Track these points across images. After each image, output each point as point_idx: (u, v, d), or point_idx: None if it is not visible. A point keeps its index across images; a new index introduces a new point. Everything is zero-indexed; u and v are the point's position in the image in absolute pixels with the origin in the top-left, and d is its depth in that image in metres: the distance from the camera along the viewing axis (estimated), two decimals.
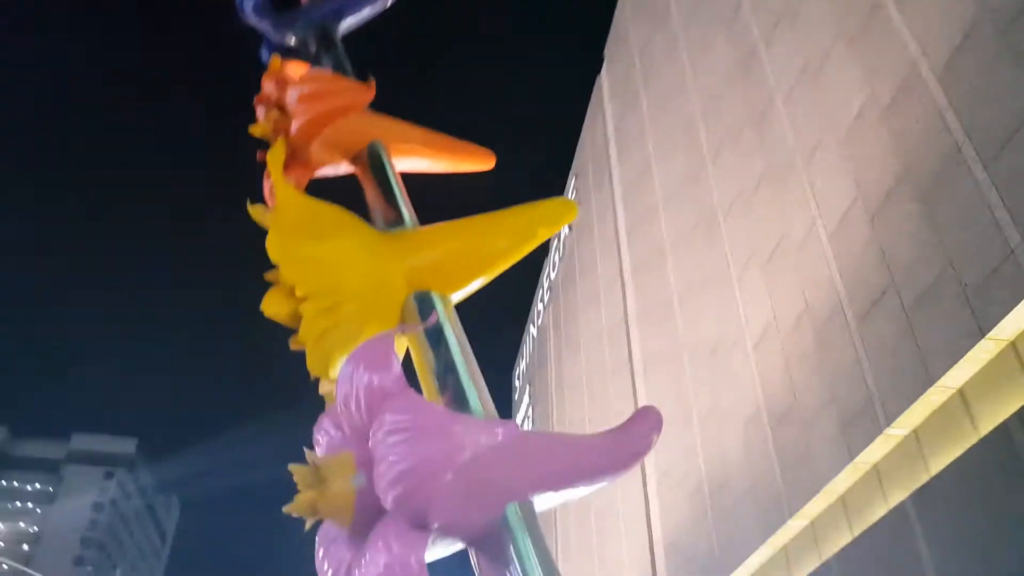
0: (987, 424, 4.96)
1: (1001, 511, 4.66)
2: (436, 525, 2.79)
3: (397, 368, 3.16)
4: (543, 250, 19.40)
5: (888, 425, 5.62)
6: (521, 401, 21.80)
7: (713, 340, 8.70)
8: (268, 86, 4.35)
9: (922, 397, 5.34)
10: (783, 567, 7.12)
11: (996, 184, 4.86)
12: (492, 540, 2.88)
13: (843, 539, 6.26)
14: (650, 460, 10.52)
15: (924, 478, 5.43)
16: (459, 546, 2.99)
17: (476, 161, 4.44)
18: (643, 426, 3.50)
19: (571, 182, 16.99)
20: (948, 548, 5.04)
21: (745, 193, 8.34)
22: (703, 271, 9.23)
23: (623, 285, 12.38)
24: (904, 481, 5.63)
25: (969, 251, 5.02)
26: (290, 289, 3.32)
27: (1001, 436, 4.78)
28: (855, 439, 5.99)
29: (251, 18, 5.17)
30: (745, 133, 8.46)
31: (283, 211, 3.44)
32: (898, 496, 5.67)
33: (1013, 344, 4.84)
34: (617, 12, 14.89)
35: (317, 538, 3.12)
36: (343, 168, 3.96)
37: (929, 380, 5.26)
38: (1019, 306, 4.62)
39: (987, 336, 4.83)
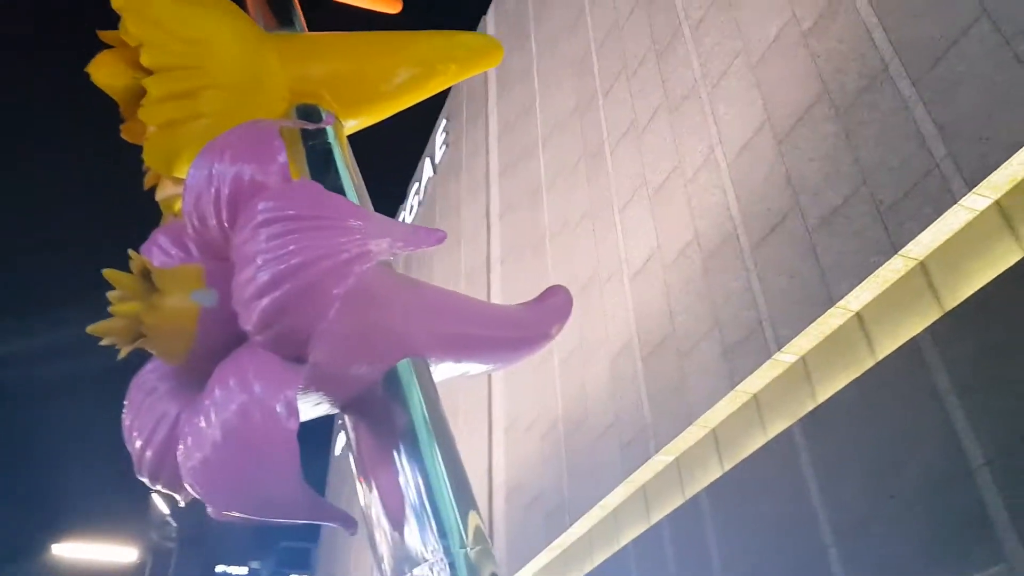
0: (886, 347, 4.79)
1: (898, 430, 4.48)
2: (313, 360, 2.16)
3: (282, 158, 2.42)
4: (400, 193, 18.52)
5: (778, 350, 5.39)
6: None
7: (586, 277, 8.31)
8: None
9: (818, 320, 5.14)
10: (642, 506, 6.83)
11: (924, 99, 4.69)
12: (374, 405, 2.30)
13: (713, 474, 6.01)
14: (498, 406, 10.05)
15: (810, 405, 5.24)
16: (323, 410, 2.31)
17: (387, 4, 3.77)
18: (556, 299, 2.99)
19: (440, 124, 16.24)
20: (836, 471, 4.84)
21: (638, 126, 8.00)
22: (582, 207, 8.84)
23: (488, 227, 11.84)
24: (788, 410, 5.42)
25: (888, 168, 4.84)
26: (133, 54, 2.48)
27: (903, 357, 4.61)
28: (738, 367, 5.74)
29: None
30: (646, 65, 8.12)
31: None
32: (780, 426, 5.45)
33: (923, 264, 4.69)
34: None
35: (129, 391, 2.30)
36: None
37: (829, 301, 5.05)
38: (938, 221, 4.47)
39: (899, 253, 4.66)
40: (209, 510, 2.38)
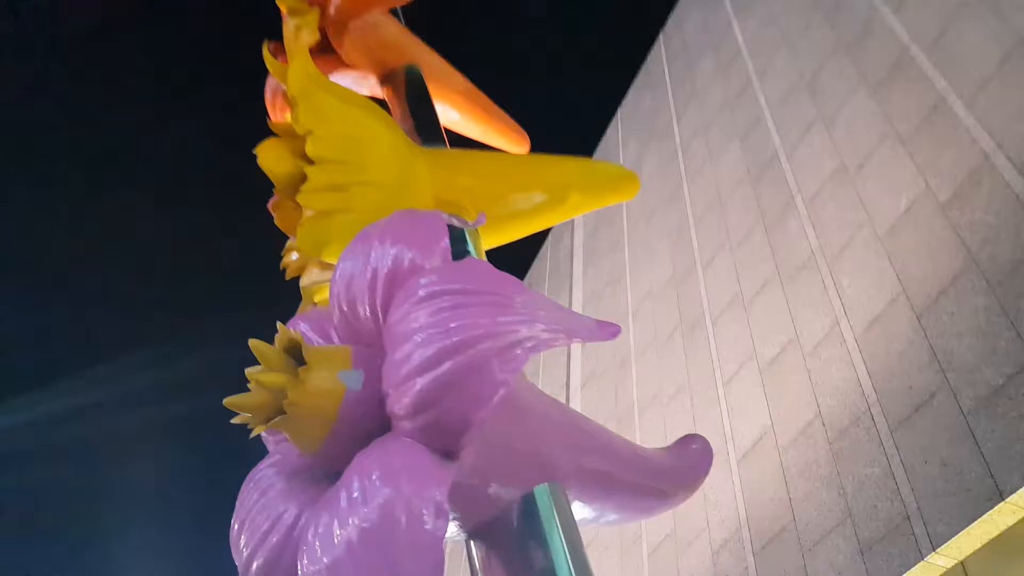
0: None
1: None
2: (463, 459, 1.93)
3: (445, 242, 2.22)
4: None
5: (932, 551, 4.64)
6: None
7: None
8: None
9: (984, 517, 4.43)
10: None
11: None
12: (508, 534, 2.05)
13: None
14: None
15: None
16: (451, 531, 2.00)
17: (510, 138, 3.76)
18: (698, 449, 2.81)
19: None
20: None
21: (743, 297, 7.64)
22: (677, 381, 8.34)
23: (567, 397, 11.35)
24: None
25: None
26: (298, 144, 2.49)
27: None
28: (879, 567, 4.97)
29: None
30: (752, 237, 7.88)
31: (310, 62, 2.68)
32: None
33: None
34: (608, 133, 14.83)
35: (243, 490, 2.06)
36: (368, 85, 3.43)
37: (997, 495, 4.37)
38: None
39: None
40: None
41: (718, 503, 6.84)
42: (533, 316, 2.08)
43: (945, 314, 5.17)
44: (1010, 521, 4.42)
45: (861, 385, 5.68)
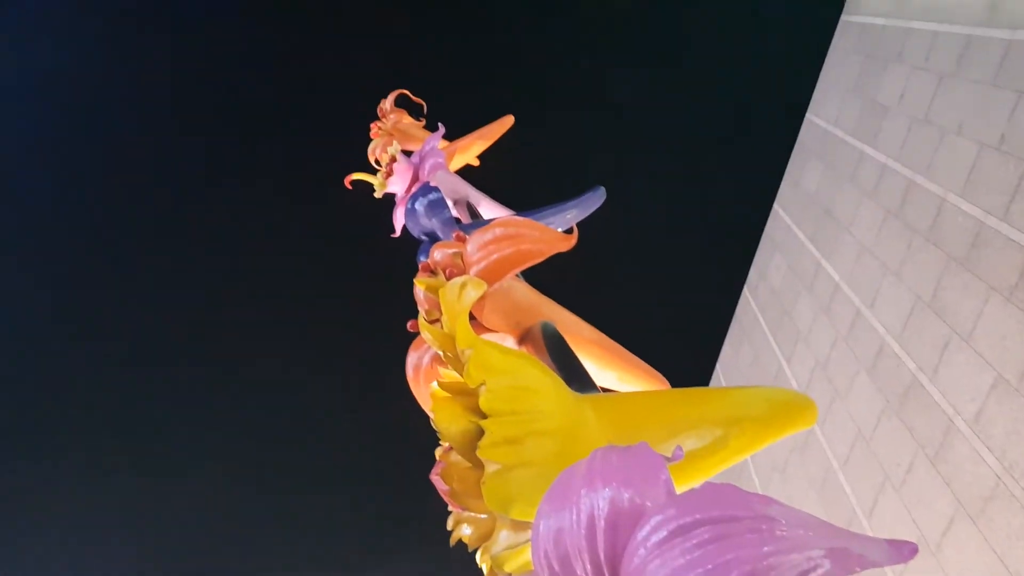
0: None
1: None
2: None
3: (666, 476, 1.98)
4: None
5: None
6: None
7: None
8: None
9: None
10: None
11: None
12: None
13: None
14: None
15: None
16: None
17: (648, 383, 3.67)
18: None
19: None
20: None
21: (928, 542, 6.80)
22: None
23: None
24: None
25: None
26: (470, 400, 2.43)
27: None
28: None
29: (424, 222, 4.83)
30: (916, 471, 7.20)
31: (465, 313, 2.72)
32: None
33: None
34: None
35: None
36: (508, 344, 3.50)
37: None
38: None
39: None
40: None
41: None
42: (814, 540, 1.76)
43: None
44: None
45: None
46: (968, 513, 6.38)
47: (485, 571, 2.61)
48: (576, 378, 3.05)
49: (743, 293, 14.02)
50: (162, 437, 14.58)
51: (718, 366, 14.34)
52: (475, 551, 2.70)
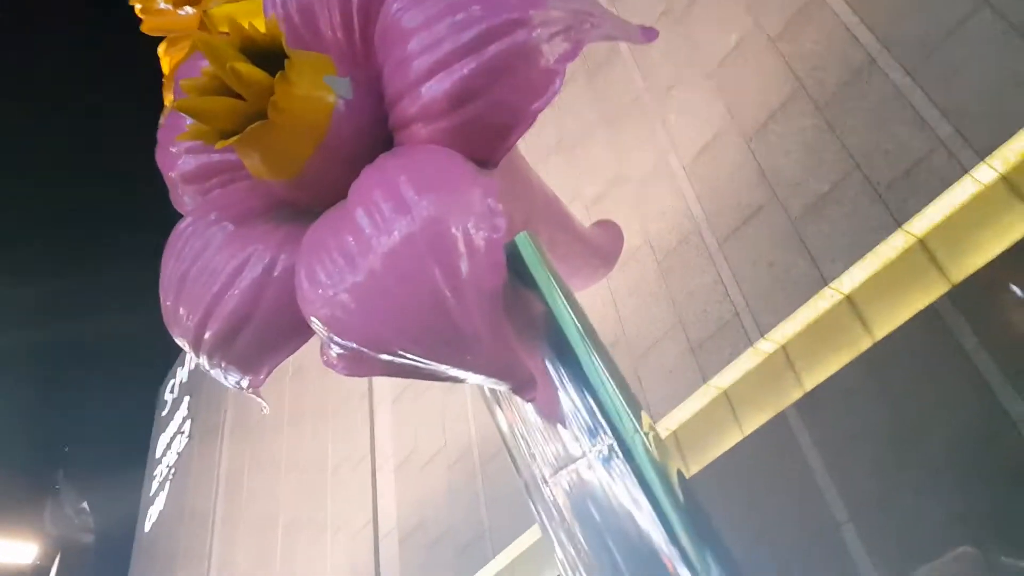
0: (884, 327, 4.67)
1: (914, 404, 4.30)
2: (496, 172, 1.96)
3: None
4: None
5: (761, 337, 5.15)
6: (172, 417, 18.58)
7: None
8: None
9: (808, 303, 4.97)
10: None
11: (923, 85, 4.79)
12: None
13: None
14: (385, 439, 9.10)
15: (797, 394, 4.99)
16: None
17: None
18: (612, 227, 3.48)
19: None
20: (842, 450, 4.56)
21: (566, 143, 7.80)
22: None
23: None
24: (769, 400, 5.14)
25: (884, 151, 4.86)
26: None
27: (906, 334, 4.50)
28: (710, 360, 5.43)
29: None
30: (574, 82, 8.01)
31: None
32: (757, 420, 5.15)
33: (922, 241, 4.68)
34: None
35: (171, 246, 1.92)
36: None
37: (820, 282, 4.91)
38: (947, 192, 4.48)
39: (901, 227, 4.61)
40: (334, 358, 1.79)
41: None
42: (573, 7, 1.96)
43: (774, 136, 5.62)
44: (827, 305, 5.00)
45: (689, 208, 6.06)
46: (606, 121, 7.38)
47: None
48: None
49: None
50: None
51: None
52: None
